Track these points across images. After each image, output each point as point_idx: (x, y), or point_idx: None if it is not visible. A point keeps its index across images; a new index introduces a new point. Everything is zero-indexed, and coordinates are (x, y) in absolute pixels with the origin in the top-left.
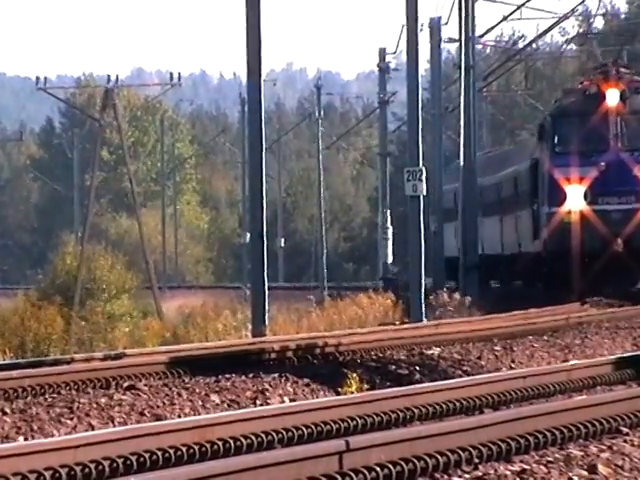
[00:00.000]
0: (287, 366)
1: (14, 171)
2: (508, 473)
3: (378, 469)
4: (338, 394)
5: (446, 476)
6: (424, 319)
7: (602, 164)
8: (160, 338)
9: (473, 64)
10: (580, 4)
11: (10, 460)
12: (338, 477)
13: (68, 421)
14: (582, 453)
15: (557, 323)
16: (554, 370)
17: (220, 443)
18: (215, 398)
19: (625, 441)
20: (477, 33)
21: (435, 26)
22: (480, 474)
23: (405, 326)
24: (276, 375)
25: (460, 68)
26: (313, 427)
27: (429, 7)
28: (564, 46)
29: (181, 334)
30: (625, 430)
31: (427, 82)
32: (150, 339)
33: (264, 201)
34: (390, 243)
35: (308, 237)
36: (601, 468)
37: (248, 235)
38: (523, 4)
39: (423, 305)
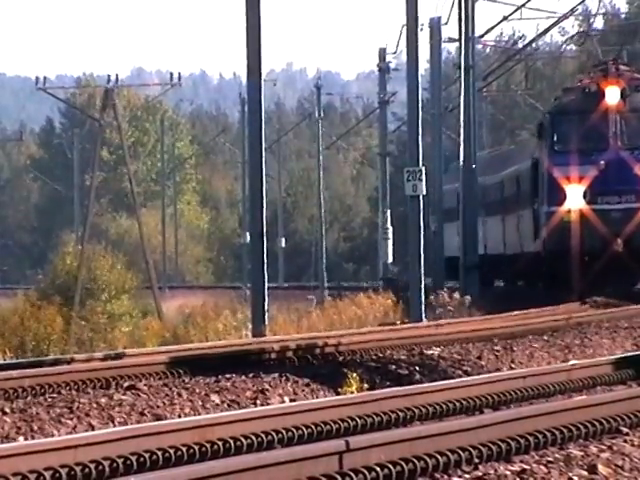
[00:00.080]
0: (287, 366)
1: (14, 171)
2: (508, 473)
3: (378, 469)
4: (338, 394)
5: (446, 476)
6: (424, 319)
7: (602, 163)
8: (160, 338)
9: (473, 64)
10: (580, 4)
11: (10, 460)
12: (338, 477)
13: (68, 421)
14: (582, 453)
15: (557, 323)
16: (554, 370)
17: (220, 443)
18: (215, 398)
19: (625, 441)
20: (477, 33)
21: (435, 26)
22: (480, 474)
23: (405, 326)
24: (276, 375)
25: (460, 68)
26: (313, 427)
27: (429, 7)
28: (564, 46)
29: (181, 334)
30: (625, 430)
31: (427, 82)
32: (150, 339)
33: (264, 201)
34: (390, 243)
35: (308, 237)
36: (601, 468)
37: (248, 235)
38: (523, 4)
39: (423, 305)
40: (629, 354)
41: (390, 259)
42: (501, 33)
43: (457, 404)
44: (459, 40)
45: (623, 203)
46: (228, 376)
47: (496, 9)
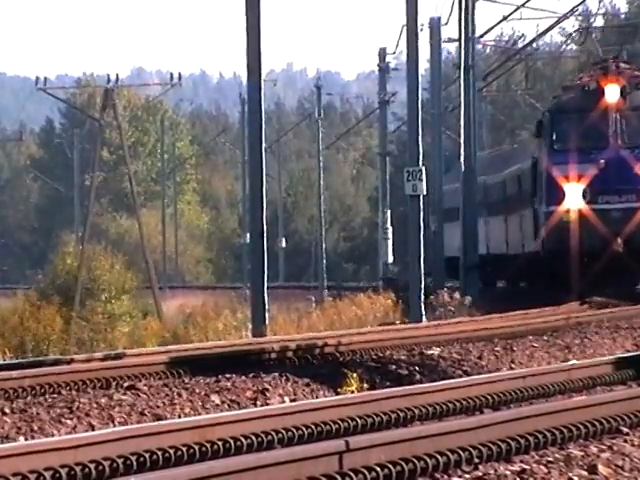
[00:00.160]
0: (287, 366)
1: (14, 171)
2: (508, 473)
3: (378, 469)
4: (338, 394)
5: (446, 476)
6: (424, 319)
7: (601, 162)
8: (160, 338)
9: (473, 64)
10: (580, 4)
11: (10, 460)
12: (338, 477)
13: (68, 421)
14: (582, 453)
15: (557, 323)
16: (554, 370)
17: (220, 443)
18: (215, 398)
19: (625, 441)
20: (477, 33)
21: (435, 26)
22: (480, 474)
23: (405, 326)
24: (276, 375)
25: (460, 68)
26: (313, 427)
27: (429, 7)
28: (564, 46)
29: (181, 334)
30: (625, 430)
31: (427, 82)
32: (150, 339)
33: (264, 201)
34: (390, 243)
35: (308, 237)
36: (601, 468)
37: (248, 235)
38: (523, 4)
39: (423, 305)
40: (629, 354)
41: (390, 259)
42: (501, 33)
43: (457, 404)
44: (459, 40)
45: (623, 202)
46: (228, 376)
47: (496, 9)
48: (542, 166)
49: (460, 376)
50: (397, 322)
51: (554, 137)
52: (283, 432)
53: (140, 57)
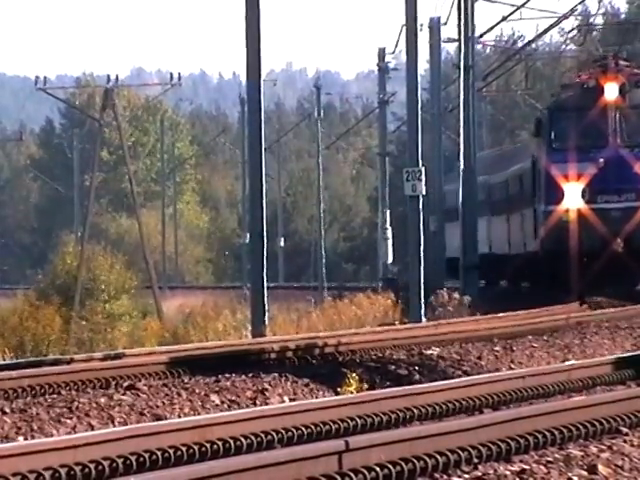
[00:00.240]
0: (287, 366)
1: (14, 171)
2: (508, 473)
3: (378, 469)
4: (338, 394)
5: (446, 476)
6: (424, 319)
7: (601, 160)
8: (160, 338)
9: (472, 64)
10: (580, 4)
11: (10, 460)
12: (338, 477)
13: (68, 421)
14: (582, 453)
15: (557, 323)
16: (554, 370)
17: (220, 443)
18: (215, 398)
19: (625, 441)
20: (477, 33)
21: (435, 26)
22: (480, 474)
23: (404, 326)
24: (276, 375)
25: (459, 68)
26: (313, 427)
27: (429, 7)
28: (564, 46)
29: (181, 334)
30: (625, 430)
31: (426, 82)
32: (149, 339)
33: (264, 201)
34: (390, 243)
35: (308, 237)
36: (601, 468)
37: (248, 235)
38: (523, 4)
39: (423, 305)
40: (629, 354)
41: (390, 259)
42: (501, 33)
43: (457, 404)
44: (459, 40)
45: (623, 202)
46: (228, 376)
47: (496, 9)
48: (541, 165)
49: (460, 376)
50: (397, 322)
51: (553, 136)
52: (283, 432)
53: (140, 57)
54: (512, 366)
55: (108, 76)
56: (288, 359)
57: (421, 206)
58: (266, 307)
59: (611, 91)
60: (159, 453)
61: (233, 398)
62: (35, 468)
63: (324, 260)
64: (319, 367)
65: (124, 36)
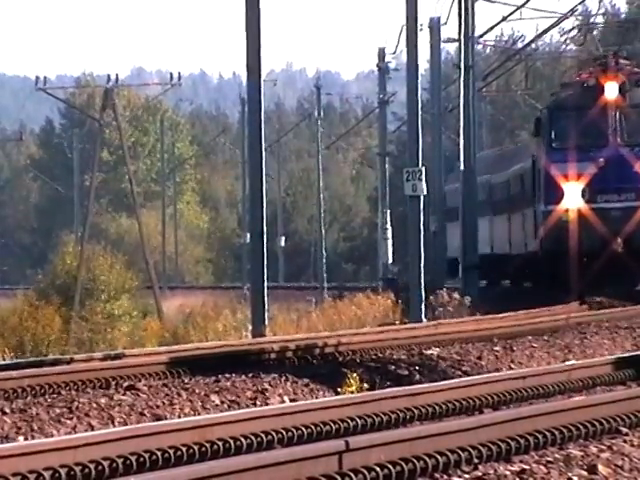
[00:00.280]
0: (287, 366)
1: (14, 171)
2: (508, 473)
3: (378, 469)
4: (338, 394)
5: (446, 476)
6: (424, 319)
7: (601, 160)
8: (160, 338)
9: (473, 64)
10: (580, 4)
11: (10, 460)
12: (338, 477)
13: (68, 421)
14: (582, 453)
15: (557, 323)
16: (554, 370)
17: (220, 443)
18: (215, 398)
19: (625, 441)
20: (477, 33)
21: (435, 26)
22: (480, 474)
23: (404, 326)
24: (276, 375)
25: (460, 68)
26: (313, 427)
27: (429, 7)
28: (564, 46)
29: (181, 334)
30: (625, 430)
31: (427, 82)
32: (150, 339)
33: (264, 201)
34: (390, 243)
35: (308, 237)
36: (601, 468)
37: (248, 235)
38: (523, 4)
39: (423, 305)
40: (629, 354)
41: (390, 259)
42: (501, 33)
43: (457, 404)
44: (459, 40)
45: (623, 201)
46: (228, 376)
47: (496, 9)
48: (540, 164)
49: (460, 376)
50: (397, 322)
51: (552, 135)
52: (283, 432)
53: (140, 57)
54: (512, 366)
55: (108, 76)
56: (288, 359)
57: (421, 206)
58: (266, 307)
59: (611, 90)
60: (159, 453)
61: (233, 398)
62: (35, 468)
63: (324, 260)
64: (319, 367)
65: (124, 36)
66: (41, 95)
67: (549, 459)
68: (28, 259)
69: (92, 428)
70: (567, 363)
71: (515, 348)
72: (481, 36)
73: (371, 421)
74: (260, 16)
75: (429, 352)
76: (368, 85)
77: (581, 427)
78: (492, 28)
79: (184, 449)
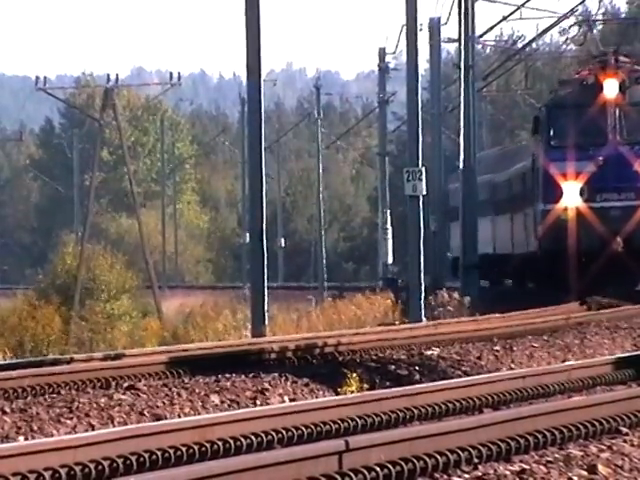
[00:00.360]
0: (287, 366)
1: (14, 171)
2: (508, 473)
3: (378, 469)
4: (338, 394)
5: (446, 476)
6: (423, 319)
7: (600, 158)
8: (160, 338)
9: (473, 64)
10: (580, 4)
11: (10, 460)
12: (338, 477)
13: (68, 421)
14: (582, 453)
15: (557, 323)
16: (554, 370)
17: (220, 443)
18: (215, 398)
19: (625, 441)
20: (477, 33)
21: (435, 26)
22: (480, 474)
23: (404, 326)
24: (276, 375)
25: (460, 68)
26: (313, 427)
27: (429, 7)
28: (564, 46)
29: (181, 334)
30: (625, 430)
31: (427, 82)
32: (149, 339)
33: (264, 201)
34: (390, 243)
35: (307, 237)
36: (601, 468)
37: (248, 235)
38: (523, 4)
39: (422, 305)
40: (629, 354)
41: (390, 259)
42: (501, 33)
43: (457, 404)
44: (459, 40)
45: (622, 200)
46: (228, 376)
47: (496, 9)
48: (539, 163)
49: (460, 376)
50: (396, 322)
51: (551, 133)
52: (283, 432)
53: (140, 57)
54: (512, 366)
55: (108, 76)
56: (288, 359)
57: (421, 206)
58: (266, 307)
59: (611, 88)
60: (159, 453)
61: (233, 398)
62: (35, 468)
63: (324, 260)
64: (319, 367)
65: (124, 36)
66: (41, 95)
67: (549, 459)
68: (28, 259)
69: (92, 428)
70: (566, 363)
71: (515, 348)
72: (481, 36)
73: (371, 421)
74: (260, 16)
75: (429, 352)
76: (368, 85)
77: (581, 427)
78: (492, 28)
79: (184, 449)
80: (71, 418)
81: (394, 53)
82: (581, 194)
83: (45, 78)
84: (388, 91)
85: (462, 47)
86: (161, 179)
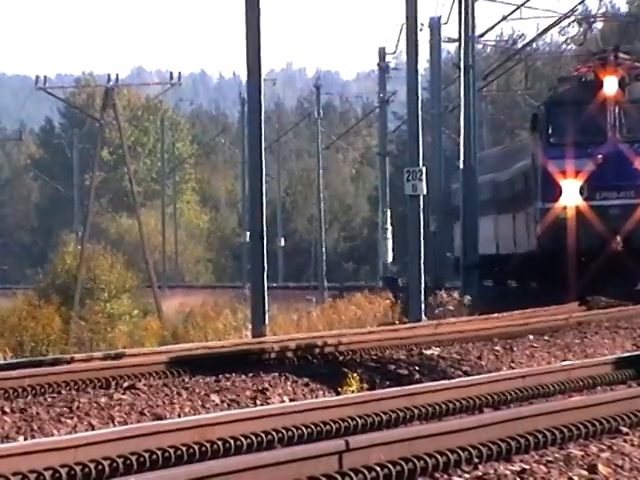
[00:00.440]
0: (287, 366)
1: (14, 171)
2: (508, 473)
3: (378, 469)
4: (338, 394)
5: (446, 476)
6: (424, 319)
7: (599, 156)
8: (160, 338)
9: (473, 64)
10: (580, 3)
11: (10, 460)
12: (338, 477)
13: (68, 421)
14: (582, 453)
15: (557, 323)
16: (554, 370)
17: (220, 443)
18: (215, 398)
19: (625, 441)
20: (477, 33)
21: (435, 26)
22: (480, 474)
23: (404, 326)
24: (276, 375)
25: (460, 68)
26: (313, 427)
27: (429, 7)
28: (564, 46)
29: (181, 334)
30: (625, 430)
31: (427, 82)
32: (149, 339)
33: (264, 201)
34: (390, 243)
35: (307, 237)
36: (601, 468)
37: (248, 235)
38: (523, 4)
39: (423, 305)
40: (629, 354)
41: (390, 259)
42: (501, 33)
43: (457, 404)
44: (459, 40)
45: (622, 199)
46: (228, 376)
47: (496, 9)
48: (538, 161)
49: (460, 376)
50: (396, 322)
51: (550, 131)
52: (283, 432)
53: (140, 56)
54: (512, 366)
55: (108, 75)
56: (288, 359)
57: (421, 206)
58: (266, 307)
59: (610, 85)
60: (159, 453)
61: (233, 398)
62: (35, 468)
63: (324, 260)
64: (319, 367)
65: (124, 36)
66: (41, 95)
67: (549, 459)
68: (28, 259)
69: (92, 428)
70: (565, 363)
71: (515, 348)
72: (481, 36)
73: (371, 421)
74: (260, 16)
75: (429, 352)
76: (368, 85)
77: (581, 427)
78: (492, 28)
79: (184, 449)
80: (71, 418)
81: (394, 53)
82: (580, 192)
83: (45, 78)
84: (388, 91)
85: (462, 47)
86: (161, 179)
